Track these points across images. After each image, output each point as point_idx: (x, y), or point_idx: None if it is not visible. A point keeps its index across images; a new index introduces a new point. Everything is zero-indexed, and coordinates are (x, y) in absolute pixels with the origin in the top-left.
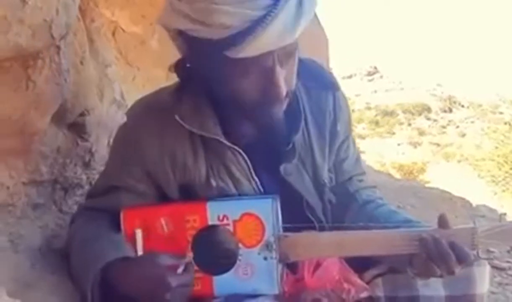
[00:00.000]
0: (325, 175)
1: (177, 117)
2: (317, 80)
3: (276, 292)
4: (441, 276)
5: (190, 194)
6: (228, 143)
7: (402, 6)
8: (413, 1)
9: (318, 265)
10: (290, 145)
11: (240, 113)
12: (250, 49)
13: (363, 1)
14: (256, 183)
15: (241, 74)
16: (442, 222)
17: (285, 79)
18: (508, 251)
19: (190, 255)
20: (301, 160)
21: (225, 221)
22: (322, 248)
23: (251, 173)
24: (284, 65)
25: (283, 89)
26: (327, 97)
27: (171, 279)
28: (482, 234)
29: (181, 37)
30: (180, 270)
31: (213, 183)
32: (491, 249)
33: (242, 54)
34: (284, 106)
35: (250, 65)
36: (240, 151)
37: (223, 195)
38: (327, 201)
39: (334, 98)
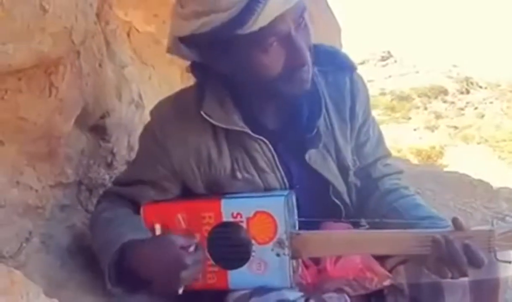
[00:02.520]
0: (349, 158)
1: (203, 113)
2: (333, 63)
3: (289, 287)
4: (452, 278)
5: (216, 188)
6: (254, 135)
7: None
8: None
9: (340, 255)
10: (315, 131)
11: (265, 100)
12: (261, 19)
13: None
14: (280, 172)
15: (261, 50)
16: (457, 224)
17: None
18: None
19: (197, 236)
20: (325, 145)
21: (239, 218)
22: (334, 246)
23: (276, 162)
24: (299, 30)
25: (305, 51)
26: (344, 79)
27: (186, 258)
28: (499, 236)
29: (192, 44)
30: (192, 249)
31: (239, 176)
32: None
33: (255, 27)
34: (310, 75)
35: (266, 37)
36: (266, 141)
37: (249, 187)
38: (352, 184)
39: (351, 80)
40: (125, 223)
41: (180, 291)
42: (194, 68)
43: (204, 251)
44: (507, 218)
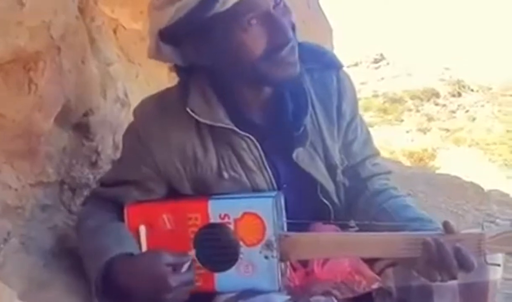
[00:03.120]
0: (337, 157)
1: (188, 110)
2: (319, 61)
3: (277, 289)
4: (442, 281)
5: (202, 188)
6: (241, 132)
7: None
8: None
9: (328, 258)
10: (302, 129)
11: (249, 91)
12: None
13: None
14: (268, 171)
15: (240, 28)
16: (448, 228)
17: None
18: None
19: (192, 253)
20: (312, 143)
21: (226, 220)
22: (323, 248)
23: (263, 161)
24: (277, 9)
25: (288, 29)
26: (330, 77)
27: (171, 279)
28: (490, 239)
29: (171, 39)
30: (184, 269)
31: (225, 175)
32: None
33: (229, 2)
34: (296, 58)
35: (244, 14)
36: (252, 138)
37: (236, 186)
38: (340, 183)
39: (338, 78)
40: (110, 233)
41: None
42: (177, 66)
43: (195, 270)
44: (498, 220)
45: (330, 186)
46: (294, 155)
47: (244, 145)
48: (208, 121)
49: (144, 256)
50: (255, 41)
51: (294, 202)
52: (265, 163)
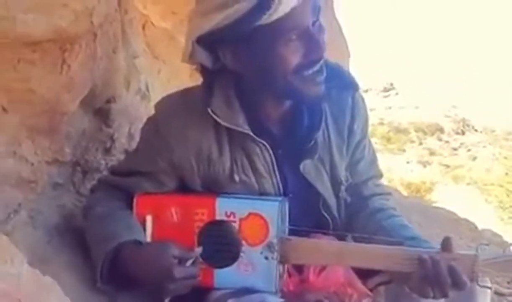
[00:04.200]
0: (342, 174)
1: (210, 110)
2: (337, 80)
3: (273, 291)
4: (434, 298)
5: (213, 187)
6: (256, 138)
7: (425, 26)
8: (436, 22)
9: (324, 267)
10: (312, 142)
11: (272, 103)
12: (281, 7)
13: (386, 18)
14: (277, 178)
15: (282, 42)
16: (446, 245)
17: (304, 50)
18: (508, 282)
19: (198, 250)
20: (320, 157)
21: (232, 218)
22: (322, 255)
23: (273, 168)
24: (315, 27)
25: (323, 45)
26: (346, 97)
27: (176, 271)
28: (483, 262)
29: (210, 43)
30: (189, 263)
31: (236, 178)
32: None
33: (275, 16)
34: (323, 79)
35: (288, 30)
36: (267, 145)
37: (245, 189)
38: (342, 199)
39: (353, 99)
40: (120, 220)
41: (166, 301)
42: (204, 67)
43: (199, 265)
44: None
45: (332, 201)
46: (301, 166)
47: (258, 150)
48: (227, 125)
49: (153, 246)
50: (292, 55)
51: (296, 212)
52: (276, 170)
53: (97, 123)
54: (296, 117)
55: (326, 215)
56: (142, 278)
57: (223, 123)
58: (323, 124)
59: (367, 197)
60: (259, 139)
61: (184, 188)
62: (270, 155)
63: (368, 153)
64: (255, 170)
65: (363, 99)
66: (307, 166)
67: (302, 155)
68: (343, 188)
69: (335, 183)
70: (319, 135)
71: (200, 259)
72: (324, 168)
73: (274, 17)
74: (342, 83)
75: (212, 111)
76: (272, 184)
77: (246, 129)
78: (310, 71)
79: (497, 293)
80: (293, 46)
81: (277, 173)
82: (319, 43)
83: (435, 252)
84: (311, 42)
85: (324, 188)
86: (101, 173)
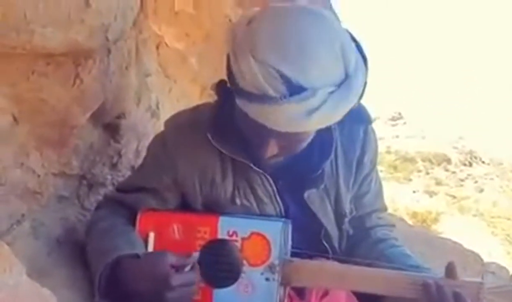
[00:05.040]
0: (347, 206)
1: (209, 136)
2: (351, 112)
3: None
4: None
5: (214, 208)
6: (256, 168)
7: (433, 57)
8: (445, 53)
9: (326, 292)
10: (319, 172)
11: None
12: (252, 113)
13: (395, 48)
14: (279, 206)
15: (245, 117)
16: (450, 271)
17: (280, 146)
18: None
19: (195, 255)
20: (326, 188)
21: (234, 237)
22: (324, 278)
23: (275, 196)
24: (284, 139)
25: (267, 154)
26: (358, 129)
27: (173, 278)
28: (489, 290)
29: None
30: (187, 269)
31: (238, 202)
32: None
33: (244, 110)
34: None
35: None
36: (268, 176)
37: (246, 213)
38: (344, 231)
39: (365, 132)
40: (122, 235)
41: None
42: (220, 88)
43: (198, 271)
44: None
45: (334, 232)
46: (305, 195)
47: (259, 180)
48: (227, 153)
49: (149, 255)
50: (247, 131)
51: (297, 239)
52: (278, 198)
53: (106, 138)
54: (306, 146)
55: (326, 245)
56: (140, 289)
57: (224, 151)
58: (332, 155)
59: (370, 228)
60: (259, 170)
61: (185, 206)
62: (271, 184)
63: (375, 185)
64: (256, 197)
65: (374, 132)
66: (311, 195)
67: (308, 184)
68: (346, 220)
69: (338, 215)
70: (327, 165)
71: (199, 276)
72: (329, 199)
73: (243, 109)
74: (356, 115)
75: (215, 138)
76: (274, 210)
77: (246, 159)
78: None
79: None
80: (248, 127)
81: (279, 200)
82: (263, 152)
83: (440, 279)
84: (257, 145)
85: (327, 218)
86: (107, 187)
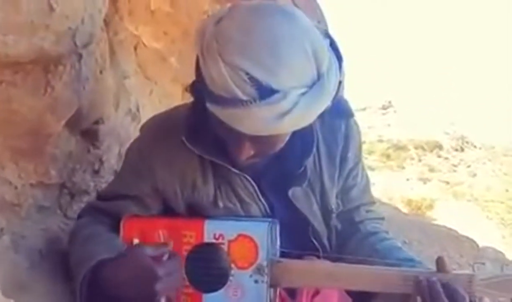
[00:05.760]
0: (333, 201)
1: (184, 139)
2: (332, 106)
3: None
4: None
5: (196, 211)
6: (235, 170)
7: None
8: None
9: (317, 292)
10: (302, 169)
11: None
12: (223, 116)
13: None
14: (264, 205)
15: (218, 119)
16: (441, 265)
17: (256, 150)
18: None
19: (171, 243)
20: (310, 184)
21: (220, 240)
22: (315, 277)
23: (258, 197)
24: (259, 142)
25: (243, 156)
26: (340, 124)
27: (158, 268)
28: (480, 282)
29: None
30: (165, 258)
31: (220, 204)
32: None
33: (216, 113)
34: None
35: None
36: (248, 177)
37: (230, 215)
38: (333, 227)
39: (346, 125)
40: (104, 242)
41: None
42: (195, 89)
43: (180, 260)
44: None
45: (322, 229)
46: (290, 193)
47: (239, 181)
48: (204, 155)
49: (128, 252)
50: (220, 134)
51: (285, 238)
52: (260, 198)
53: (84, 144)
54: (287, 144)
55: (315, 242)
56: (126, 290)
57: (201, 154)
58: (314, 150)
59: (359, 222)
60: (238, 172)
61: (169, 211)
62: (252, 185)
63: (361, 179)
64: (239, 198)
65: (357, 125)
66: (296, 193)
67: (291, 181)
68: (333, 215)
69: (325, 210)
70: (310, 162)
71: (187, 282)
72: (314, 195)
73: (216, 114)
74: (337, 110)
75: (191, 141)
76: (259, 209)
77: (223, 161)
78: None
79: None
80: (222, 131)
81: (262, 200)
82: (239, 155)
83: (431, 273)
84: (233, 148)
85: (314, 215)
86: (90, 194)
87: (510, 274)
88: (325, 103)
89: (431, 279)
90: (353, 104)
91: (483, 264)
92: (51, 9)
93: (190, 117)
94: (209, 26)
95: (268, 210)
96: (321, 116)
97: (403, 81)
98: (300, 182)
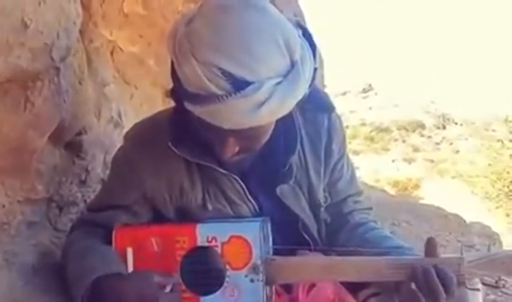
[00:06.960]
0: (321, 195)
1: (170, 144)
2: (313, 101)
3: None
4: None
5: (186, 215)
6: (222, 171)
7: (397, 25)
8: (408, 19)
9: (312, 285)
10: (287, 167)
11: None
12: (202, 114)
13: (360, 19)
14: (253, 204)
15: (198, 119)
16: (430, 248)
17: (241, 145)
18: (496, 281)
19: (177, 276)
20: (297, 181)
21: (213, 243)
22: (309, 272)
23: (247, 196)
24: (242, 136)
25: (228, 154)
26: (322, 118)
27: (162, 298)
28: (469, 264)
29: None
30: (168, 289)
31: (209, 207)
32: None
33: (197, 113)
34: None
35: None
36: (235, 177)
37: (219, 217)
38: (322, 220)
39: (329, 119)
40: (98, 255)
41: None
42: (175, 94)
43: (180, 291)
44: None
45: (311, 223)
46: (277, 191)
47: (227, 181)
48: (189, 158)
49: (135, 276)
50: (204, 134)
51: (276, 235)
52: (249, 197)
53: (69, 156)
54: (271, 141)
55: (306, 236)
56: None
57: (187, 157)
58: (298, 147)
59: (347, 213)
60: (225, 172)
61: (159, 217)
62: (240, 184)
63: (347, 171)
64: (227, 199)
65: (339, 119)
66: (284, 190)
67: (278, 179)
68: (322, 209)
69: (313, 205)
70: (295, 159)
71: (183, 286)
72: (302, 191)
73: (195, 113)
74: (318, 105)
75: (175, 145)
76: (248, 209)
77: (210, 163)
78: None
79: (490, 285)
80: (206, 130)
81: (251, 199)
82: (223, 153)
83: (420, 258)
84: (218, 146)
85: (303, 210)
86: (78, 205)
87: (496, 254)
88: (302, 90)
89: (426, 266)
90: (334, 90)
91: (471, 246)
92: (26, 26)
93: (173, 122)
94: (180, 27)
95: (257, 209)
96: (303, 112)
97: (382, 63)
98: (287, 179)
